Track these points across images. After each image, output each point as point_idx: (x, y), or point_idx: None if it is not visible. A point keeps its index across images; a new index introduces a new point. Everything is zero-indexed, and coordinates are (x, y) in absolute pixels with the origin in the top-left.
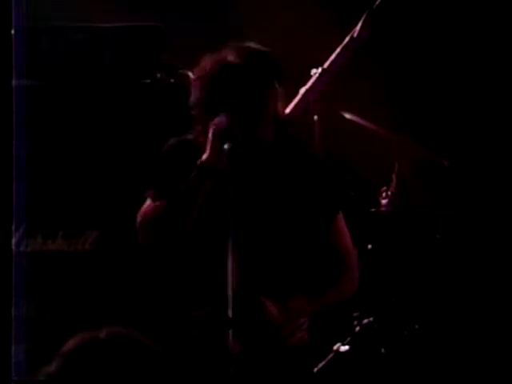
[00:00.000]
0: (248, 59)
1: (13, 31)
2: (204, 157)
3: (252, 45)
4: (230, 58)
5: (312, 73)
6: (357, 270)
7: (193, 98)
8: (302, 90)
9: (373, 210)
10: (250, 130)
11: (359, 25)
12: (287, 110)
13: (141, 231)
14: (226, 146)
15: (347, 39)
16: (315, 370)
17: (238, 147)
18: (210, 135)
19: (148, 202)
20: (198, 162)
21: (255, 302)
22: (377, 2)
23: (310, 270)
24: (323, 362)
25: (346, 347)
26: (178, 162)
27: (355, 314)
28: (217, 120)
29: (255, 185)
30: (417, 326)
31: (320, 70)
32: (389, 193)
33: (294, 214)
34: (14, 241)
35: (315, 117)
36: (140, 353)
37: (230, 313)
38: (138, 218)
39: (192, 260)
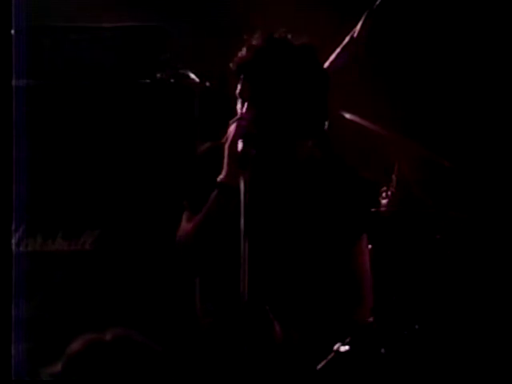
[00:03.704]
0: (272, 44)
1: (13, 31)
2: (222, 174)
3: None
4: (255, 42)
5: None
6: (371, 297)
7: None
8: None
9: (373, 209)
10: (270, 127)
11: (359, 25)
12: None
13: (183, 256)
14: (239, 146)
15: (347, 39)
16: (315, 369)
17: (256, 147)
18: (226, 150)
19: (183, 222)
20: (218, 180)
21: (265, 317)
22: (377, 3)
23: (325, 292)
24: (323, 362)
25: (346, 347)
26: (211, 172)
27: None
28: (229, 132)
29: (279, 194)
30: (417, 326)
31: None
32: (389, 193)
33: (315, 231)
34: (13, 241)
35: None
36: (145, 354)
37: (239, 322)
38: (177, 243)
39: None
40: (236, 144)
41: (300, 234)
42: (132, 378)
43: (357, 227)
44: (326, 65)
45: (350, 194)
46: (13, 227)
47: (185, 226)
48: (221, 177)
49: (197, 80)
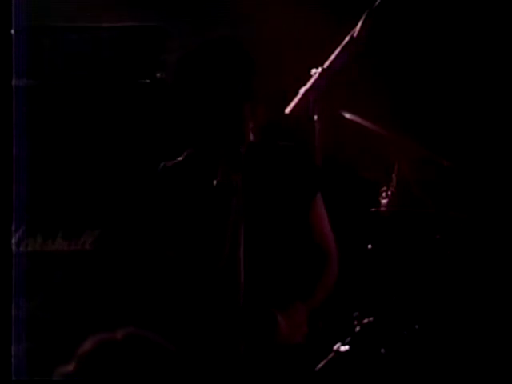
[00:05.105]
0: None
1: (13, 31)
2: (219, 176)
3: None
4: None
5: (312, 73)
6: (336, 254)
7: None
8: (302, 90)
9: (373, 209)
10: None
11: (359, 25)
12: (287, 110)
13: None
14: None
15: (347, 39)
16: (315, 369)
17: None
18: (223, 151)
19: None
20: (215, 183)
21: (267, 315)
22: (377, 3)
23: (298, 262)
24: (323, 362)
25: (346, 347)
26: (183, 194)
27: (355, 314)
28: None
29: (248, 179)
30: (417, 326)
31: (320, 69)
32: (389, 193)
33: (273, 205)
34: (13, 241)
35: (315, 116)
36: (156, 353)
37: (240, 319)
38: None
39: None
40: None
41: (271, 206)
42: (144, 377)
43: (308, 188)
44: (327, 64)
45: (295, 164)
46: (13, 227)
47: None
48: (219, 178)
49: None
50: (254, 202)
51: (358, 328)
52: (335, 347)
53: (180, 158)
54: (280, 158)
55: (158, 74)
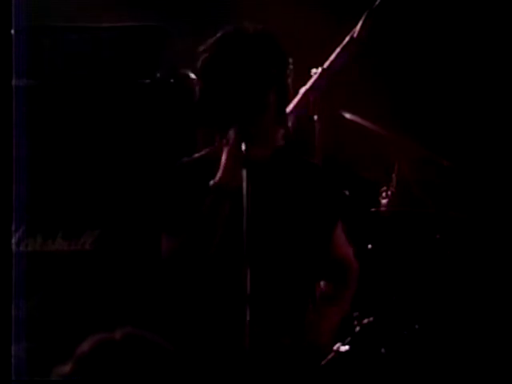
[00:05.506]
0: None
1: (13, 31)
2: (218, 177)
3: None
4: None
5: (312, 73)
6: (356, 276)
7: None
8: (302, 90)
9: (373, 209)
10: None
11: (359, 25)
12: (287, 110)
13: (171, 272)
14: (243, 147)
15: (347, 39)
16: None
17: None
18: (228, 151)
19: (166, 243)
20: (212, 184)
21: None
22: (377, 3)
23: (315, 285)
24: (323, 362)
25: (346, 347)
26: (191, 189)
27: (355, 314)
28: (230, 134)
29: (258, 198)
30: (417, 326)
31: (320, 69)
32: (389, 193)
33: (295, 225)
34: (13, 241)
35: (315, 116)
36: (155, 353)
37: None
38: (164, 261)
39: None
40: (239, 145)
41: (288, 228)
42: (143, 377)
43: (331, 215)
44: (327, 64)
45: (318, 185)
46: (13, 227)
47: (173, 242)
48: (216, 180)
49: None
50: (264, 211)
51: (358, 328)
52: (335, 347)
53: (198, 155)
54: (304, 175)
55: (158, 74)
